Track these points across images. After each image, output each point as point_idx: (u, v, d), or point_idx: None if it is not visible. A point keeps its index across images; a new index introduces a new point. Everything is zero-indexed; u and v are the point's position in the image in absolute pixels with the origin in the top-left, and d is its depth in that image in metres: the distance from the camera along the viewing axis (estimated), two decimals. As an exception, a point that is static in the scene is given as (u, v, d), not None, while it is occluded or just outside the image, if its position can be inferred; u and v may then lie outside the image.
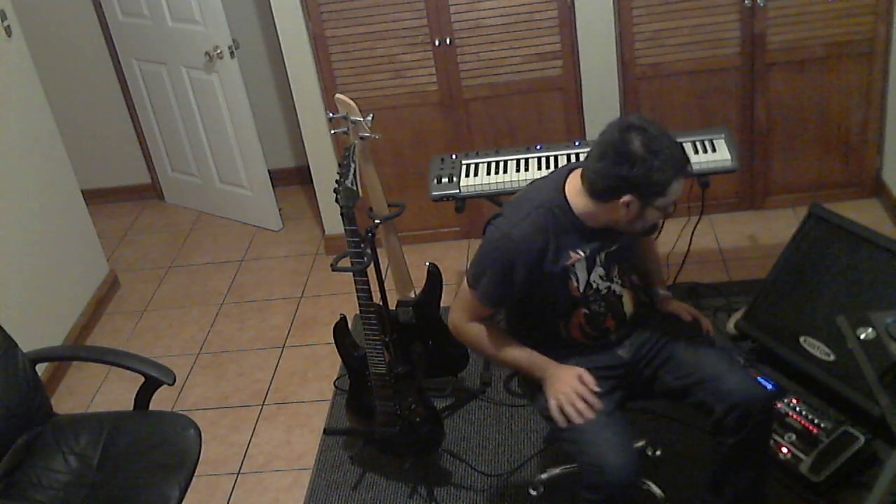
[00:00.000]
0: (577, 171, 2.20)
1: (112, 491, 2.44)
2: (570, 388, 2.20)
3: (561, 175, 2.24)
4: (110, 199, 5.07)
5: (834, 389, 2.80)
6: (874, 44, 3.67)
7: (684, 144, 3.01)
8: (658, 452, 2.82)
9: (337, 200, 2.51)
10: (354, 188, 2.49)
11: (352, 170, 2.50)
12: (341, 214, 2.53)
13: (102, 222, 4.70)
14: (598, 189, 2.11)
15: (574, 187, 2.18)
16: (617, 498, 2.13)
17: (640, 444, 2.80)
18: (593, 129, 3.87)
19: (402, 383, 2.72)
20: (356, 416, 2.91)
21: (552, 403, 2.22)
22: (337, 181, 2.51)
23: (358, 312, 2.65)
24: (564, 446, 2.32)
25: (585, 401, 2.18)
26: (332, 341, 2.83)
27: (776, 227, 3.92)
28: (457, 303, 2.33)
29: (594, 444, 2.15)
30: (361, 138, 2.75)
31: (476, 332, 2.31)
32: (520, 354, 2.31)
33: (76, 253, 4.03)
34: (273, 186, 4.54)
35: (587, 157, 2.14)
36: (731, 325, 3.23)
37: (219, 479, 3.09)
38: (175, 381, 2.61)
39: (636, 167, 2.01)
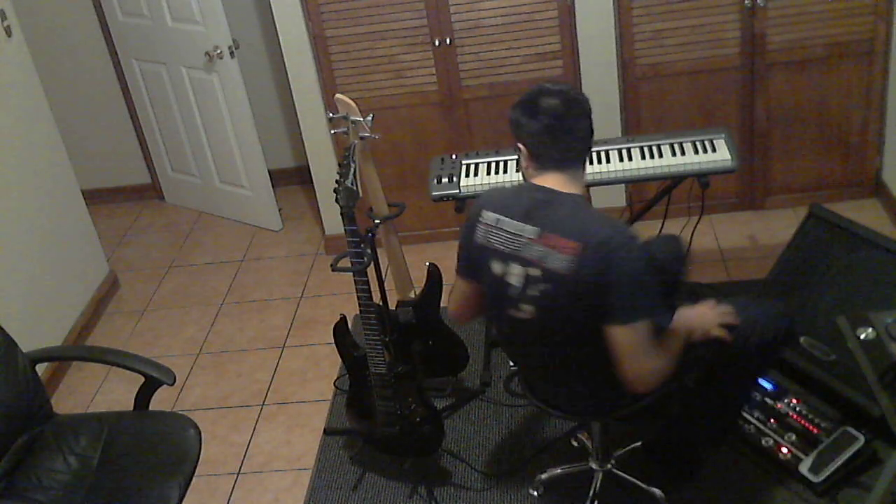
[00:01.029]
0: (551, 177, 2.18)
1: (112, 491, 2.43)
2: (706, 311, 2.36)
3: (548, 193, 2.18)
4: (110, 199, 5.07)
5: (834, 389, 2.80)
6: (874, 44, 3.67)
7: (684, 144, 3.06)
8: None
9: (337, 200, 2.51)
10: (354, 188, 2.49)
11: (352, 170, 2.50)
12: (341, 214, 2.53)
13: (102, 222, 4.71)
14: (587, 147, 2.22)
15: (567, 182, 2.18)
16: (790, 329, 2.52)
17: (638, 444, 2.80)
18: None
19: (402, 383, 2.72)
20: (356, 416, 2.91)
21: (715, 330, 2.32)
22: (337, 181, 2.51)
23: (358, 312, 2.65)
24: (752, 339, 2.37)
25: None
26: (332, 341, 2.83)
27: (776, 227, 3.92)
28: (650, 353, 2.12)
29: (752, 312, 2.41)
30: (361, 138, 2.75)
31: (669, 355, 2.19)
32: (680, 333, 2.27)
33: (76, 253, 4.03)
34: (273, 186, 4.54)
35: (549, 158, 2.17)
36: (731, 325, 3.23)
37: (219, 479, 3.09)
38: (175, 381, 2.62)
39: (585, 102, 2.19)
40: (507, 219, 2.20)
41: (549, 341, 2.25)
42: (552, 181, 2.18)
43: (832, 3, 3.59)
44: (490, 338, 3.42)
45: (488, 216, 2.24)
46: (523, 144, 2.20)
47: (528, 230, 2.15)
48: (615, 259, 2.04)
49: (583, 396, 2.38)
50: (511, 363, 3.20)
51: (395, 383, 2.71)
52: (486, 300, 2.36)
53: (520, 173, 3.00)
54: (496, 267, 2.22)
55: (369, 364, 2.69)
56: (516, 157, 2.88)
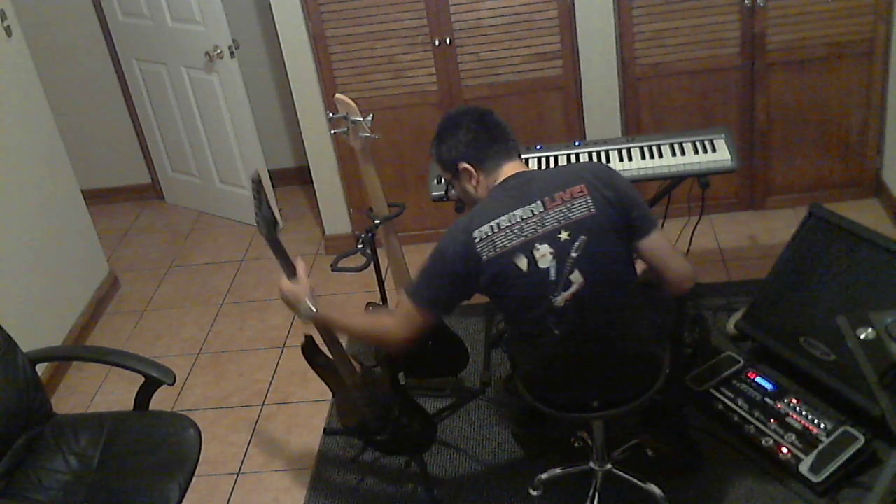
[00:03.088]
0: (507, 168, 2.27)
1: (112, 491, 2.44)
2: None
3: (520, 176, 2.26)
4: (110, 199, 5.07)
5: (834, 389, 2.81)
6: (874, 44, 3.67)
7: (684, 145, 3.06)
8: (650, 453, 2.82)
9: (260, 231, 2.35)
10: (270, 216, 2.33)
11: (264, 199, 2.31)
12: (268, 243, 2.39)
13: (102, 222, 4.70)
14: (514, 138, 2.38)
15: (522, 165, 2.31)
16: None
17: (635, 441, 2.80)
18: (593, 129, 3.87)
19: (376, 387, 2.65)
20: (350, 422, 2.87)
21: None
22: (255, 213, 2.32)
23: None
24: None
25: None
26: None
27: (776, 227, 3.92)
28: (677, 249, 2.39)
29: None
30: (361, 138, 2.75)
31: None
32: None
33: (76, 253, 4.03)
34: (273, 186, 4.54)
35: (497, 153, 2.26)
36: (731, 325, 3.23)
37: (219, 479, 3.09)
38: (175, 381, 2.62)
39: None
40: (502, 217, 2.16)
41: (601, 306, 2.18)
42: (513, 169, 2.26)
43: (832, 3, 3.59)
44: (490, 338, 3.42)
45: (481, 231, 2.17)
46: (467, 163, 2.26)
47: (534, 207, 2.16)
48: (614, 180, 2.18)
49: (627, 377, 2.33)
50: (509, 366, 3.19)
51: (372, 388, 2.65)
52: (519, 320, 2.26)
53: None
54: (522, 263, 2.14)
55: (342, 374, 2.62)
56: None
